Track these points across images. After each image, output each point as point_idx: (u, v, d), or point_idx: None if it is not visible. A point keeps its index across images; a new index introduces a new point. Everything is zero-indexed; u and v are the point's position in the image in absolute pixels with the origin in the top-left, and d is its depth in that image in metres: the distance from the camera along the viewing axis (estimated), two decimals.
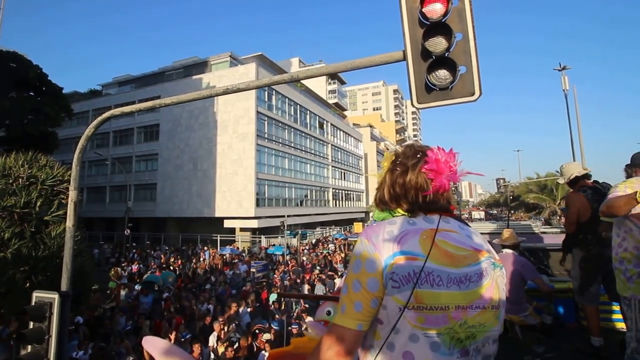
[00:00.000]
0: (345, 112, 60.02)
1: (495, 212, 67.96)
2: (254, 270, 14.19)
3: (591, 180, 3.92)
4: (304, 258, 19.38)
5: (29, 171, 9.24)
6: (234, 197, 29.77)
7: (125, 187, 34.37)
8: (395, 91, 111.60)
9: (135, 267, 18.27)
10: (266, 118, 32.13)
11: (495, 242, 4.43)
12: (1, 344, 8.88)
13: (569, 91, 17.50)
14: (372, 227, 1.16)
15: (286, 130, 35.34)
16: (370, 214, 60.04)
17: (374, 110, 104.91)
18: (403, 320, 1.04)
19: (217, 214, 30.37)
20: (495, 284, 1.13)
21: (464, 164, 1.24)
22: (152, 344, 4.43)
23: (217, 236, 29.21)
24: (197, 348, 6.95)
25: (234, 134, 30.67)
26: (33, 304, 4.30)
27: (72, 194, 4.77)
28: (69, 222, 4.69)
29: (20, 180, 9.04)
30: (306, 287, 13.34)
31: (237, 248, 25.41)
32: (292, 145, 36.20)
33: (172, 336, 6.87)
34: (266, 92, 32.33)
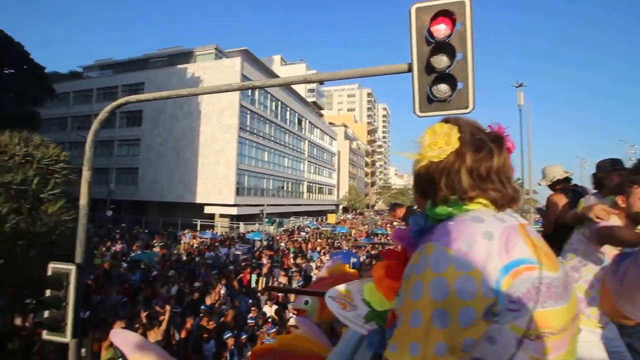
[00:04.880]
0: (322, 111, 60.30)
1: None
2: (239, 252, 14.26)
3: (571, 184, 3.81)
4: (282, 244, 19.63)
5: (25, 149, 8.85)
6: (215, 185, 29.38)
7: (107, 169, 33.02)
8: (369, 94, 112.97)
9: (119, 247, 17.76)
10: (249, 112, 31.80)
11: None
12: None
13: (524, 106, 18.57)
14: (454, 228, 0.77)
15: (267, 125, 35.13)
16: (340, 207, 60.94)
17: (348, 111, 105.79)
18: (523, 355, 0.72)
19: (198, 200, 29.88)
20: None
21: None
22: (123, 339, 4.42)
23: (197, 221, 28.74)
24: (189, 320, 7.07)
25: (217, 125, 30.13)
26: (50, 274, 4.30)
27: (86, 174, 4.76)
28: (83, 200, 4.68)
29: (16, 157, 8.66)
30: (280, 272, 13.33)
31: (217, 233, 25.20)
32: (272, 139, 36.05)
33: (167, 309, 6.93)
34: None
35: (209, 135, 30.40)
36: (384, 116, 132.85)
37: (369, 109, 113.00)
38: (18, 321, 8.86)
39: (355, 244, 20.69)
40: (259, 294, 10.07)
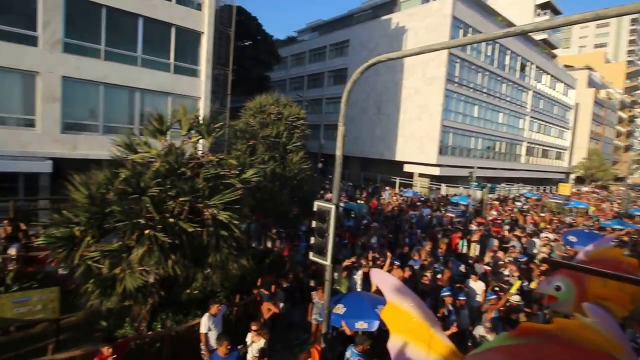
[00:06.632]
0: (556, 51, 49.89)
1: None
2: (452, 215, 14.71)
3: None
4: (493, 212, 18.65)
5: (277, 109, 11.75)
6: (415, 142, 30.06)
7: (318, 125, 38.86)
8: (633, 21, 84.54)
9: (329, 196, 21.25)
10: (458, 60, 30.03)
11: None
12: (255, 237, 12.23)
13: None
14: None
15: (479, 74, 32.38)
16: (572, 176, 51.04)
17: (596, 47, 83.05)
18: None
19: (398, 158, 31.49)
20: None
21: None
22: (381, 279, 5.13)
23: (395, 178, 30.64)
24: (407, 271, 8.11)
25: (422, 78, 30.02)
26: (315, 210, 5.86)
27: (341, 129, 5.96)
28: (338, 151, 5.97)
29: (271, 115, 11.65)
30: (495, 242, 12.97)
31: (418, 192, 26.27)
32: (485, 90, 33.11)
33: (389, 255, 8.22)
34: (461, 30, 29.75)
35: (411, 90, 30.82)
36: None
37: (631, 42, 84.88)
38: (268, 244, 12.35)
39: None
40: (470, 260, 10.27)
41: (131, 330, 6.36)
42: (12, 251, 8.42)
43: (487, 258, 10.79)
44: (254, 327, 5.86)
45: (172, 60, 15.60)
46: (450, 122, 29.76)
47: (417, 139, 29.96)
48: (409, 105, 30.93)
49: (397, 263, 8.63)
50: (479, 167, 31.34)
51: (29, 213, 12.12)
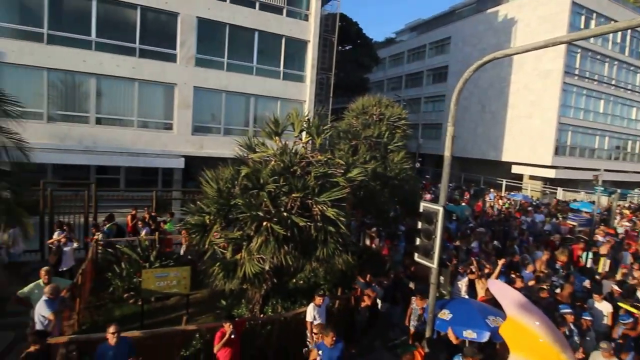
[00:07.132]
0: None
1: None
2: (575, 223, 12.82)
3: None
4: (625, 222, 15.59)
5: (379, 109, 11.61)
6: (526, 142, 26.88)
7: (415, 125, 37.51)
8: None
9: (428, 196, 20.28)
10: (579, 50, 25.99)
11: None
12: (354, 234, 12.26)
13: None
14: None
15: (606, 64, 27.57)
16: None
17: None
18: None
19: (504, 158, 28.59)
20: None
21: None
22: (502, 292, 4.44)
23: (502, 180, 27.85)
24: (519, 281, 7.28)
25: (534, 72, 26.70)
26: (421, 210, 5.60)
27: (450, 129, 5.60)
28: (447, 152, 5.60)
29: (373, 116, 11.56)
30: (629, 257, 10.87)
31: (529, 196, 23.46)
32: (613, 82, 28.03)
33: (501, 262, 7.46)
34: (582, 17, 25.71)
35: (521, 85, 27.69)
36: None
37: None
38: (367, 242, 12.28)
39: None
40: (597, 277, 8.75)
41: (246, 311, 6.91)
42: (142, 233, 9.76)
43: (619, 276, 9.11)
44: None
45: (281, 68, 16.72)
46: (569, 119, 25.91)
47: (527, 137, 26.77)
48: (518, 101, 27.82)
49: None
50: (605, 170, 26.79)
51: (165, 202, 14.13)
